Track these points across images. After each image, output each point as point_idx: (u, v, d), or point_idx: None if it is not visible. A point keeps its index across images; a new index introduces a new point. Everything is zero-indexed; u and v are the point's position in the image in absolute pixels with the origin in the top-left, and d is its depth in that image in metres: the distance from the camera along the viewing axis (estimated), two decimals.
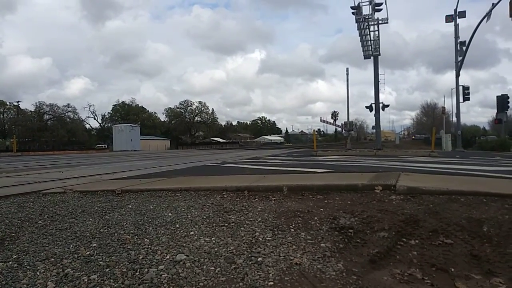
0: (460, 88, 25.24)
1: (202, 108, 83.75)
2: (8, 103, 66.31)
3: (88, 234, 2.82)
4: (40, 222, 3.22)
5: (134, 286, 1.89)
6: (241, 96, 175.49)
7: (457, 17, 24.66)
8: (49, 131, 56.29)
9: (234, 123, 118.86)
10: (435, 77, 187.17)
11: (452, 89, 30.25)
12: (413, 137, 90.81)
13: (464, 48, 24.20)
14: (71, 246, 2.53)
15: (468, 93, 25.68)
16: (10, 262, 2.24)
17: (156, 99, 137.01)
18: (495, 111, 26.95)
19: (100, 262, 2.21)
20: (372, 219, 2.97)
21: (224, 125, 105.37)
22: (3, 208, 3.80)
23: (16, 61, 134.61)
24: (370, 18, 21.36)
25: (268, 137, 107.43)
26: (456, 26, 24.65)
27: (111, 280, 1.96)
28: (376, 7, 21.12)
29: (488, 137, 26.14)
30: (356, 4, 20.84)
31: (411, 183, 4.16)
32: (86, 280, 1.96)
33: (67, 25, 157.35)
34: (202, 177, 6.31)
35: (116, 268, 2.11)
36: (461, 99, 25.37)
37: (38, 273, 2.07)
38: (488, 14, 22.16)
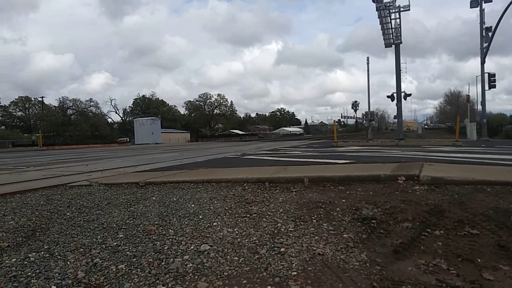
0: (486, 75, 24.48)
1: (221, 101, 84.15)
2: (33, 99, 68.24)
3: (114, 225, 2.90)
4: (68, 214, 3.33)
5: (161, 275, 1.93)
6: (259, 88, 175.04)
7: (483, 2, 23.80)
8: (73, 126, 57.67)
9: (253, 115, 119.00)
10: (458, 65, 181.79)
11: (477, 76, 29.37)
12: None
13: (489, 34, 23.41)
14: (99, 237, 2.61)
15: (494, 80, 24.87)
16: (42, 252, 2.33)
17: (175, 92, 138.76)
18: None
19: (127, 252, 2.28)
20: (396, 210, 2.94)
21: (243, 117, 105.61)
22: (33, 201, 3.94)
23: (39, 58, 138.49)
24: (391, 5, 20.88)
25: (287, 128, 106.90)
26: (482, 11, 23.82)
27: (138, 269, 2.02)
28: None
29: None
30: None
31: (435, 173, 4.09)
32: (114, 269, 2.03)
33: (87, 22, 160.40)
34: (223, 169, 6.37)
35: (143, 258, 2.17)
36: (486, 87, 24.64)
37: (68, 262, 2.15)
38: None
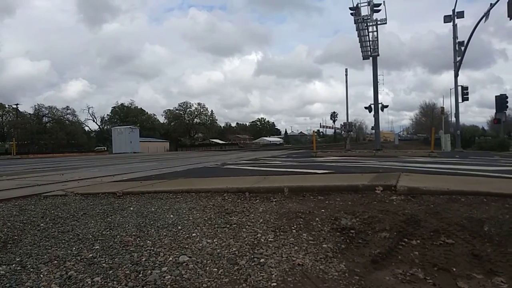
0: (459, 88, 25.30)
1: (201, 110, 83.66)
2: (7, 106, 66.31)
3: (90, 236, 2.82)
4: (42, 224, 3.23)
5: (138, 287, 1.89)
6: (239, 98, 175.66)
7: (456, 18, 24.72)
8: (48, 134, 56.08)
9: (233, 124, 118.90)
10: (432, 78, 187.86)
11: (450, 89, 30.31)
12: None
13: (462, 48, 24.26)
14: (74, 248, 2.54)
15: (467, 93, 25.74)
16: (14, 265, 2.24)
17: (154, 101, 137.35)
18: (493, 110, 27.12)
19: (103, 264, 2.22)
20: (373, 220, 2.98)
21: (223, 126, 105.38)
22: (5, 211, 3.81)
23: (14, 64, 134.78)
24: (369, 19, 21.39)
25: (268, 138, 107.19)
26: (454, 26, 24.71)
27: (115, 282, 1.97)
28: (375, 8, 21.16)
29: None
30: (355, 5, 20.90)
31: (412, 184, 4.17)
32: (89, 282, 1.97)
33: (65, 28, 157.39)
34: (203, 179, 6.32)
35: (119, 270, 2.12)
36: (460, 99, 25.44)
37: (41, 275, 2.07)
38: (486, 14, 22.21)
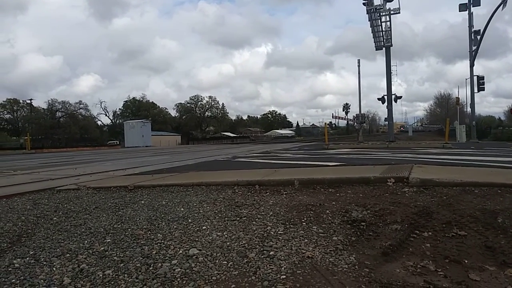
0: (475, 78, 24.77)
1: (213, 103, 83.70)
2: (21, 101, 67.30)
3: (102, 230, 2.86)
4: (55, 218, 3.28)
5: (148, 280, 1.91)
6: (249, 90, 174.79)
7: (472, 6, 24.10)
8: (62, 128, 56.81)
9: (244, 117, 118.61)
10: (445, 68, 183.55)
11: (466, 79, 29.67)
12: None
13: (478, 37, 23.70)
14: (86, 242, 2.58)
15: (483, 83, 25.15)
16: (27, 258, 2.28)
17: (165, 94, 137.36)
18: (510, 100, 26.95)
19: (115, 257, 2.24)
20: (385, 212, 2.95)
21: (234, 119, 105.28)
22: (19, 205, 3.88)
23: (28, 60, 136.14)
24: (382, 8, 21.02)
25: (279, 131, 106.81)
26: (470, 15, 24.11)
27: (126, 275, 1.99)
28: None
29: None
30: None
31: (424, 175, 4.12)
32: (101, 275, 1.99)
33: (76, 23, 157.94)
34: (213, 172, 6.34)
35: (130, 263, 2.14)
36: (475, 89, 24.92)
37: (54, 268, 2.11)
38: (504, 2, 21.64)
